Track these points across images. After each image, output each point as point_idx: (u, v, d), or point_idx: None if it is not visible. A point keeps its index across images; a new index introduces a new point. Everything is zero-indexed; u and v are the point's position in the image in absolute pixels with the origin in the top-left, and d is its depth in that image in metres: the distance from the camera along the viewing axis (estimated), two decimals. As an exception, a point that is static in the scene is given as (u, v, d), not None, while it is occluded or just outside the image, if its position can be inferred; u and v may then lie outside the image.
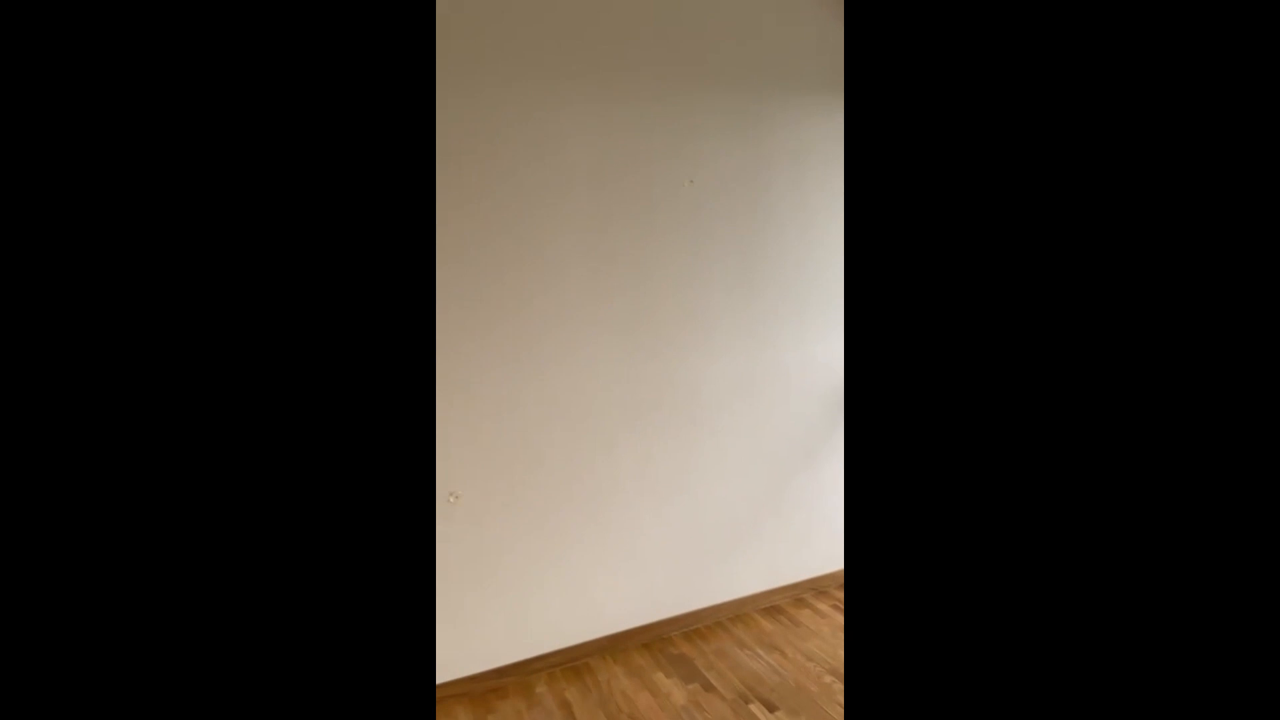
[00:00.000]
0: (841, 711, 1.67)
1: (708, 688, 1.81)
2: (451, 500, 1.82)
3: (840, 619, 2.15)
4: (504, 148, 1.78)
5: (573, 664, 1.97)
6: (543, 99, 1.81)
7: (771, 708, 1.71)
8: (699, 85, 1.99)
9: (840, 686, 1.79)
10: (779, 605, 2.25)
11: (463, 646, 1.87)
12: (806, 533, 2.31)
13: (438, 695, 1.84)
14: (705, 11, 1.98)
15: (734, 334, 2.11)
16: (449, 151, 1.72)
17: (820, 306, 2.25)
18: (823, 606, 2.22)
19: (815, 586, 2.34)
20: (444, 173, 1.72)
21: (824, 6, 2.16)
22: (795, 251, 2.19)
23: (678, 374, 2.04)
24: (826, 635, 2.04)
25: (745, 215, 2.10)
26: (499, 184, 1.78)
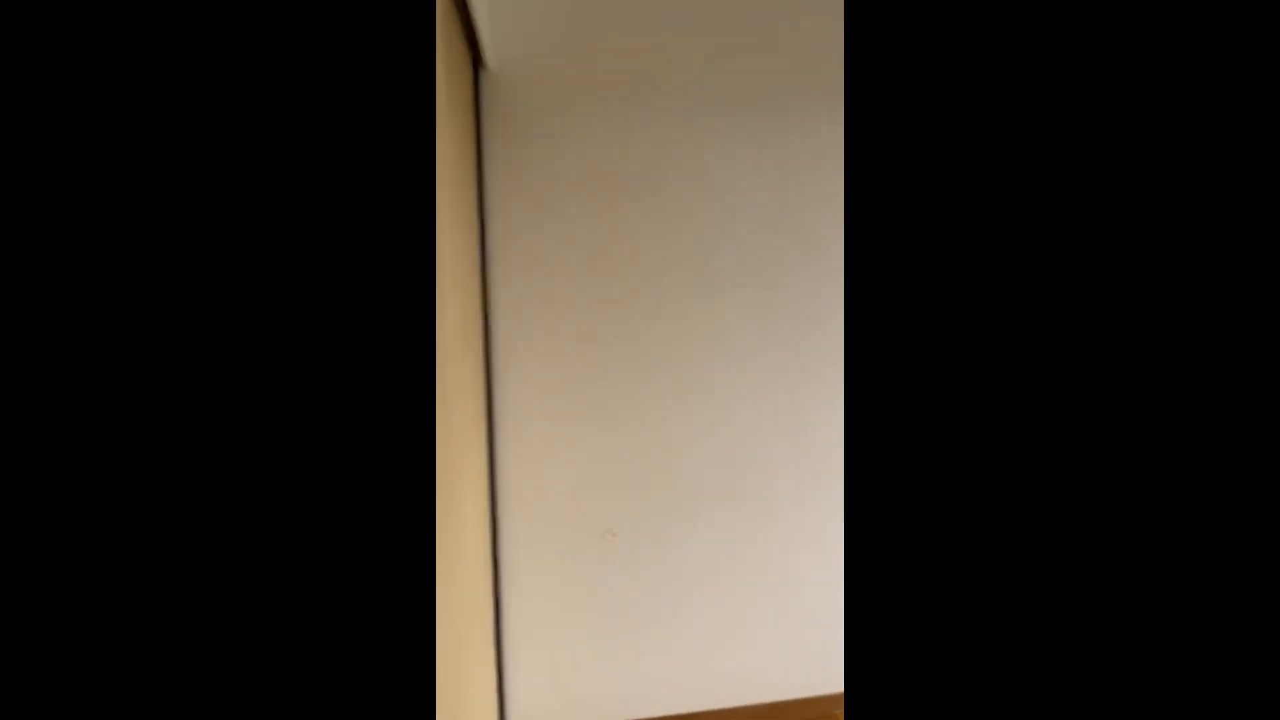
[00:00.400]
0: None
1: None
2: (608, 538, 1.87)
3: None
4: (675, 180, 1.78)
5: (725, 729, 1.86)
6: (715, 129, 1.79)
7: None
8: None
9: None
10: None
11: (606, 694, 1.85)
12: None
13: (587, 739, 1.84)
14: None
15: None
16: (620, 185, 1.76)
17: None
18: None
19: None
20: (614, 208, 1.76)
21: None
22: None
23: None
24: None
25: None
26: (671, 220, 1.79)
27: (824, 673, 1.91)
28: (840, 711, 1.88)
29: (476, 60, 1.65)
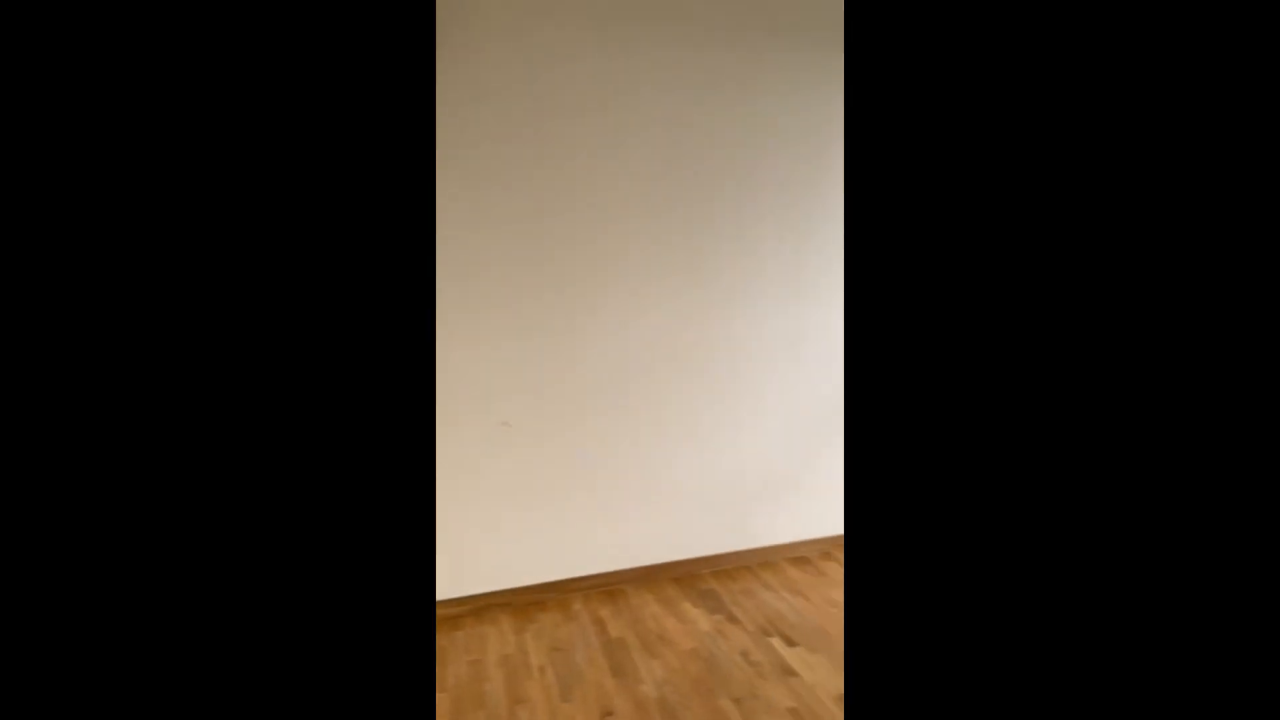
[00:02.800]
0: (857, 653, 1.77)
1: (732, 620, 1.93)
2: (503, 427, 1.96)
3: (865, 573, 2.24)
4: (567, 92, 1.85)
5: (608, 588, 2.12)
6: (605, 44, 1.86)
7: (791, 643, 1.82)
8: (767, 37, 2.01)
9: (858, 631, 1.88)
10: (807, 557, 2.35)
11: (507, 561, 2.03)
12: (838, 490, 2.39)
13: (483, 604, 2.01)
14: (783, -34, 1.99)
15: (785, 294, 2.17)
16: (510, 101, 1.80)
17: (873, 272, 2.27)
18: (849, 561, 2.31)
19: (843, 543, 2.42)
20: (509, 120, 1.81)
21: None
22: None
23: (729, 328, 2.12)
24: (850, 587, 2.13)
25: (802, 175, 2.13)
26: (563, 132, 1.87)
27: (693, 542, 2.21)
28: (705, 572, 2.21)
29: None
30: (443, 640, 1.86)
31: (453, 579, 1.99)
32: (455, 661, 1.76)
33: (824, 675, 1.68)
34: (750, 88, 2.01)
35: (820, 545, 2.38)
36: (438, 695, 1.62)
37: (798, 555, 2.35)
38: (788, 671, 1.69)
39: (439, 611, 1.97)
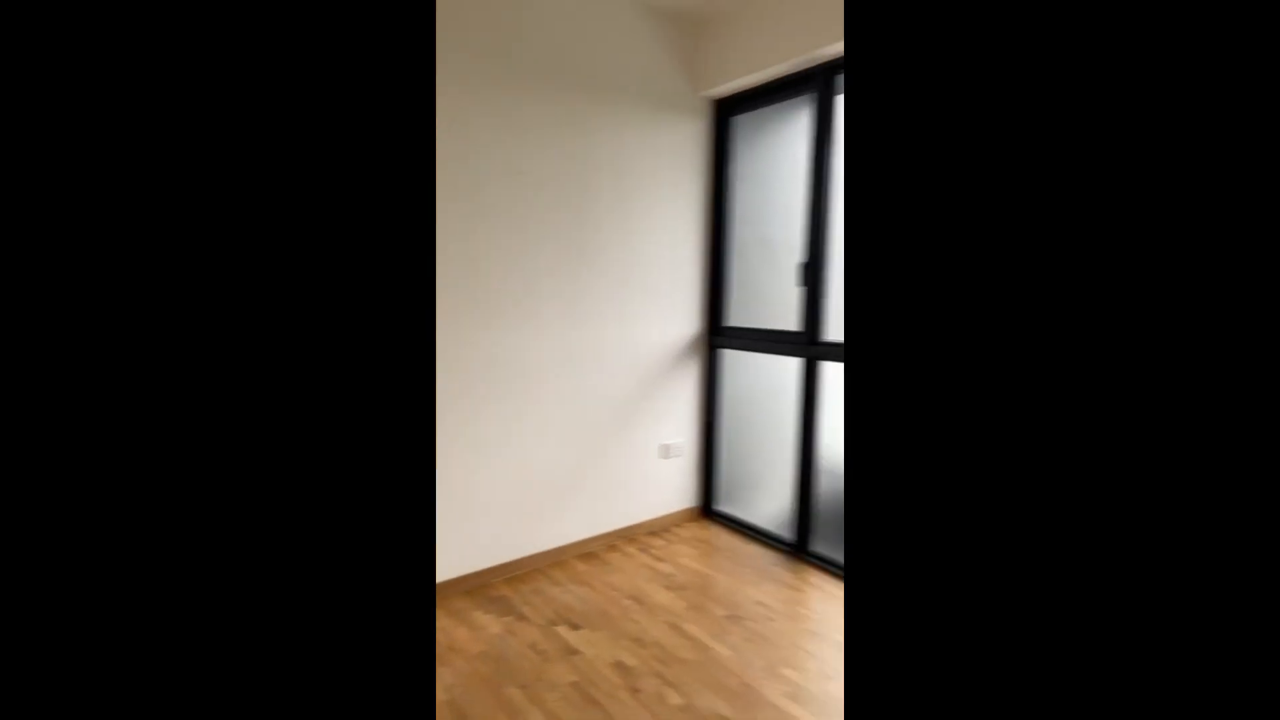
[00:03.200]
0: (634, 626, 1.98)
1: (521, 618, 2.04)
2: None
3: (643, 558, 2.49)
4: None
5: (397, 611, 2.10)
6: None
7: (576, 627, 1.98)
8: (531, 82, 2.21)
9: (636, 607, 2.10)
10: (594, 551, 2.54)
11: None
12: (619, 488, 2.62)
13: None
14: (538, 14, 2.20)
15: (557, 313, 2.36)
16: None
17: (636, 291, 2.56)
18: (630, 550, 2.55)
19: (626, 535, 2.66)
20: None
21: (645, 27, 2.47)
22: (614, 243, 2.48)
23: (506, 347, 2.25)
24: (630, 571, 2.36)
25: (569, 208, 2.35)
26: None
27: (484, 553, 2.28)
28: (497, 580, 2.29)
29: None
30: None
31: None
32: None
33: (603, 649, 1.86)
34: (511, 125, 2.19)
35: (605, 539, 2.59)
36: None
37: (586, 551, 2.53)
38: (571, 651, 1.85)
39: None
